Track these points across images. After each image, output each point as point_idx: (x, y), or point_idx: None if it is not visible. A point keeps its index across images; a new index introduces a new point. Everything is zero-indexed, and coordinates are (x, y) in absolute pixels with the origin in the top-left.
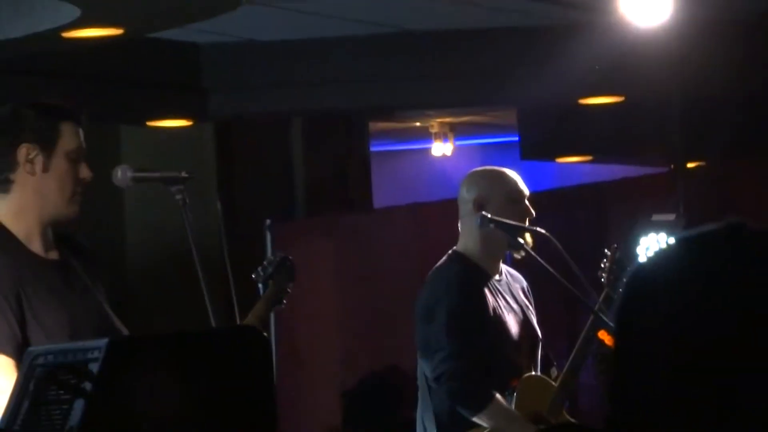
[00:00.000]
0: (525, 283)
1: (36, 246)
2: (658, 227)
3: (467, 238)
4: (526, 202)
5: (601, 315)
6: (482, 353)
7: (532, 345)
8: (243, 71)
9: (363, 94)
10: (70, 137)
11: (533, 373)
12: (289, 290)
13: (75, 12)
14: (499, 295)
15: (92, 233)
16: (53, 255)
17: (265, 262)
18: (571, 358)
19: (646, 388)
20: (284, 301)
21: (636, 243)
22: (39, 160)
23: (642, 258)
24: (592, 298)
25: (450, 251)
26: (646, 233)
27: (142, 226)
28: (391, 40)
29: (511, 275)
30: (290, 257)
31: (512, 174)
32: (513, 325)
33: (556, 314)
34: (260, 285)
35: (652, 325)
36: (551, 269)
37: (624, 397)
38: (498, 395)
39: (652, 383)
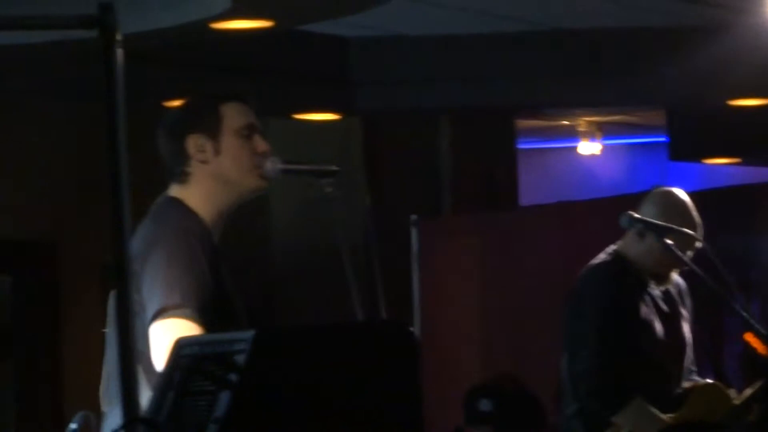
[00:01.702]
0: (683, 286)
1: (216, 232)
2: None
3: (630, 246)
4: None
5: (749, 318)
6: (627, 356)
7: (680, 353)
8: (392, 66)
9: (511, 92)
10: (234, 116)
11: (711, 381)
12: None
13: (226, 3)
14: (651, 300)
15: (237, 226)
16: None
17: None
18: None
19: None
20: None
21: None
22: (209, 146)
23: None
24: (739, 300)
25: (610, 249)
26: None
27: (287, 220)
28: (540, 37)
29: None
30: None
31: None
32: (662, 330)
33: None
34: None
35: None
36: (700, 271)
37: None
38: (640, 398)
39: None
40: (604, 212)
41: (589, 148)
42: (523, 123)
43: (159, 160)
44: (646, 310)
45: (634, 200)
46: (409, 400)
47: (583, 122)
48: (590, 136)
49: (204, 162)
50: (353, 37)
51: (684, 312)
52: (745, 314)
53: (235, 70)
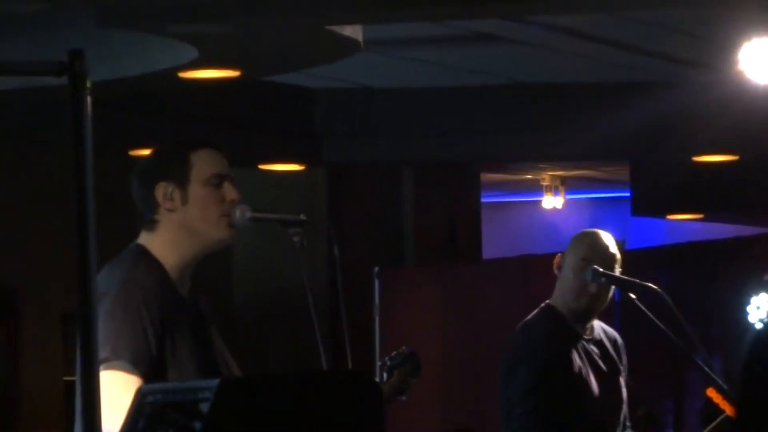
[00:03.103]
0: (619, 340)
1: (181, 283)
2: None
3: (561, 293)
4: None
5: (711, 373)
6: (562, 414)
7: (616, 406)
8: (356, 118)
9: (475, 145)
10: (203, 165)
11: None
12: (411, 385)
13: (192, 53)
14: (585, 355)
15: (199, 273)
16: (185, 290)
17: (393, 354)
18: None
19: None
20: (405, 395)
21: (747, 302)
22: (177, 195)
23: (753, 317)
24: (700, 355)
25: (543, 304)
26: (757, 292)
27: (251, 269)
28: (504, 91)
29: (604, 331)
30: (417, 354)
31: (598, 244)
32: (598, 386)
33: (664, 371)
34: (383, 374)
35: None
36: (661, 325)
37: None
38: None
39: None
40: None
41: (552, 202)
42: (487, 176)
43: (126, 207)
44: (581, 365)
45: None
46: None
47: (546, 176)
48: (554, 190)
49: (171, 210)
50: (319, 89)
51: (620, 367)
52: (707, 369)
53: (201, 120)
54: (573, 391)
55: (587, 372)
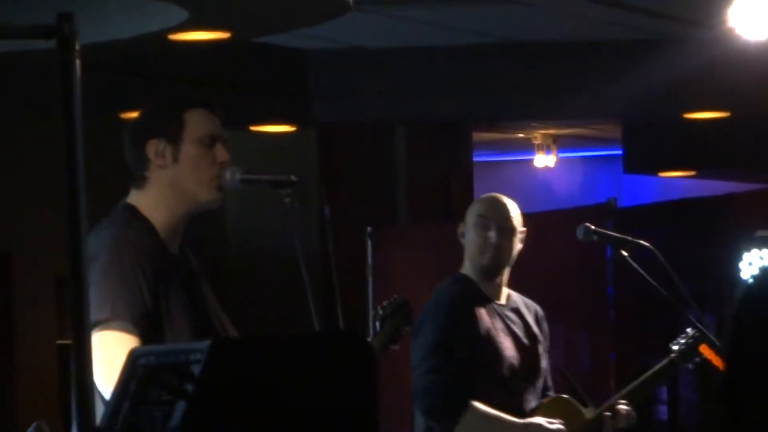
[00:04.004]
0: (540, 312)
1: (171, 241)
2: (762, 243)
3: (468, 256)
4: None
5: (704, 330)
6: (465, 372)
7: (532, 372)
8: (348, 78)
9: (468, 104)
10: (197, 124)
11: (563, 395)
12: (403, 333)
13: (182, 14)
14: (499, 318)
15: (195, 236)
16: (176, 249)
17: (385, 303)
18: (629, 388)
19: (758, 412)
20: (398, 344)
21: (739, 258)
22: (168, 152)
23: (746, 274)
24: (693, 312)
25: (457, 274)
26: (749, 249)
27: (244, 230)
28: (497, 50)
29: (525, 303)
30: (409, 302)
31: (492, 200)
32: (511, 348)
33: (656, 328)
34: (376, 323)
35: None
36: (653, 282)
37: (735, 419)
38: (476, 404)
39: (766, 407)
40: (559, 224)
41: (544, 160)
42: (480, 136)
43: (117, 169)
44: (490, 327)
45: (589, 212)
46: (365, 411)
47: (538, 135)
48: (546, 148)
49: (162, 167)
50: (310, 49)
51: (540, 337)
52: (699, 326)
53: (192, 81)
54: (479, 350)
55: (498, 335)
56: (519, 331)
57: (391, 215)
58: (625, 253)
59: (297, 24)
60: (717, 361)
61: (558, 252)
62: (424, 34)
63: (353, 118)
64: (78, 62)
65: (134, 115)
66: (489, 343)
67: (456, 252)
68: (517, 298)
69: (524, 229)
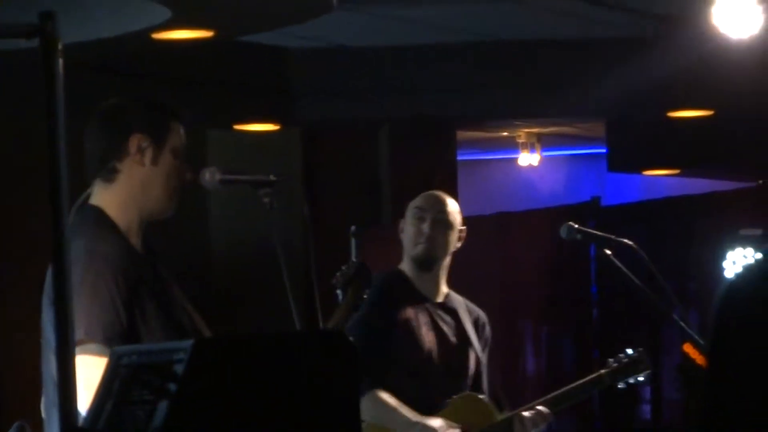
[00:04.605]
0: (482, 319)
1: (134, 240)
2: (745, 242)
3: (405, 249)
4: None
5: (687, 329)
6: (379, 358)
7: (456, 371)
8: (332, 76)
9: (451, 102)
10: (177, 135)
11: (475, 394)
12: (365, 297)
13: (165, 13)
14: (426, 314)
15: (177, 235)
16: (140, 247)
17: (343, 268)
18: (550, 396)
19: (738, 410)
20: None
21: (723, 257)
22: (149, 152)
23: (729, 272)
24: (677, 311)
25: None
26: (733, 247)
27: (226, 229)
28: (480, 48)
29: (468, 306)
30: (366, 264)
31: (430, 194)
32: (431, 343)
33: (640, 327)
34: (339, 291)
35: (748, 346)
36: (637, 280)
37: (715, 416)
38: (379, 392)
39: (746, 405)
40: (543, 223)
41: (528, 159)
42: (463, 134)
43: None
44: (412, 318)
45: (573, 211)
46: (348, 410)
47: (522, 133)
48: (530, 147)
49: (139, 164)
50: (293, 48)
51: (474, 340)
52: (683, 325)
53: (175, 80)
54: (394, 340)
55: (419, 328)
56: (448, 329)
57: (374, 214)
58: (608, 252)
59: (280, 22)
60: (700, 360)
61: (541, 251)
62: (408, 32)
63: (337, 117)
64: (60, 61)
65: (109, 104)
66: (406, 333)
67: None
68: (458, 301)
69: (464, 227)
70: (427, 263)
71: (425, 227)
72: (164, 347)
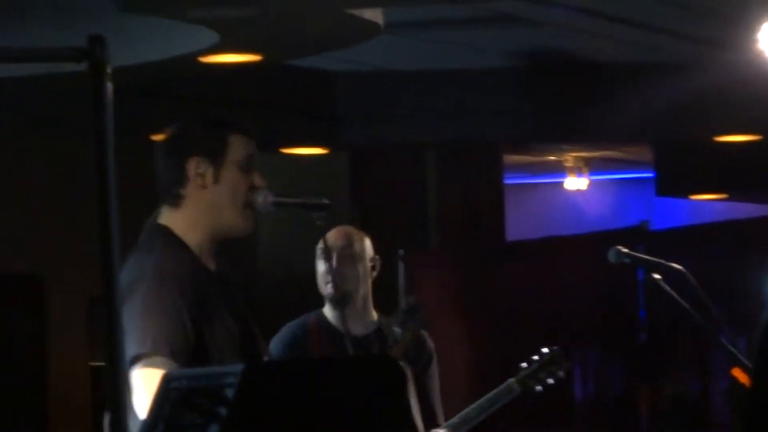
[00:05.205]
0: (422, 336)
1: (206, 259)
2: None
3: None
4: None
5: (736, 353)
6: None
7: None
8: (379, 100)
9: (497, 126)
10: (239, 147)
11: None
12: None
13: (213, 37)
14: (344, 351)
15: (225, 259)
16: (212, 266)
17: (399, 310)
18: (462, 414)
19: None
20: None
21: None
22: (209, 173)
23: None
24: (726, 335)
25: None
26: None
27: (275, 253)
28: (527, 72)
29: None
30: (420, 303)
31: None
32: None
33: (689, 352)
34: (396, 329)
35: None
36: (686, 305)
37: None
38: None
39: None
40: (590, 247)
41: (575, 183)
42: (510, 158)
43: (149, 191)
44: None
45: (621, 235)
46: None
47: (569, 157)
48: (577, 171)
49: (202, 187)
50: (340, 72)
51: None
52: (732, 349)
53: (223, 104)
54: None
55: None
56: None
57: (421, 238)
58: (657, 276)
59: (327, 47)
60: (749, 384)
61: (589, 275)
62: (454, 56)
63: (384, 141)
64: (109, 85)
65: (169, 131)
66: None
67: (485, 275)
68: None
69: (376, 257)
70: (342, 300)
71: (332, 265)
72: (215, 371)
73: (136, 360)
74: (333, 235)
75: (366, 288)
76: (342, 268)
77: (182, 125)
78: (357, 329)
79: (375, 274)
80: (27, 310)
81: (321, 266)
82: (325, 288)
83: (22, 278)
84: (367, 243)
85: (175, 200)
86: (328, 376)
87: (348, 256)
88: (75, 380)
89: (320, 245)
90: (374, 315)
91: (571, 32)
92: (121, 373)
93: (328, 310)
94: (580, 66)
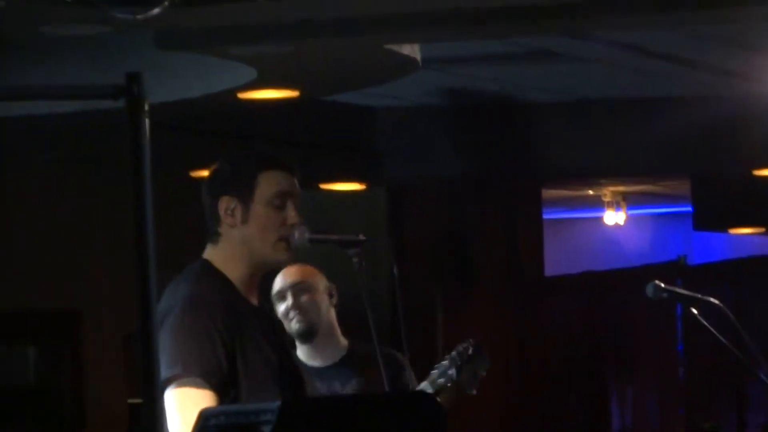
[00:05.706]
0: (400, 360)
1: (247, 292)
2: None
3: None
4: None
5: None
6: None
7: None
8: (417, 135)
9: (536, 161)
10: (270, 184)
11: None
12: (480, 378)
13: (251, 73)
14: (323, 383)
15: (261, 293)
16: (254, 300)
17: (459, 349)
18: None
19: None
20: (475, 388)
21: None
22: (238, 212)
23: None
24: (763, 369)
25: None
26: None
27: None
28: (565, 106)
29: (385, 351)
30: (482, 345)
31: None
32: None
33: (726, 385)
34: (452, 372)
35: None
36: (723, 339)
37: None
38: None
39: None
40: (629, 282)
41: (614, 218)
42: (549, 193)
43: (187, 227)
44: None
45: (660, 270)
46: None
47: (607, 192)
48: (615, 205)
49: (232, 226)
50: (378, 107)
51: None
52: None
53: (261, 139)
54: None
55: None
56: (339, 386)
57: (460, 273)
58: (695, 311)
59: (366, 83)
60: None
61: (627, 309)
62: (491, 91)
63: (422, 175)
64: (147, 121)
65: (204, 174)
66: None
67: (524, 310)
68: (365, 351)
69: (331, 284)
70: (308, 335)
71: (289, 303)
72: (252, 408)
73: (167, 382)
74: (282, 276)
75: (329, 316)
76: (299, 301)
77: (217, 165)
78: (326, 359)
79: (335, 301)
80: (64, 346)
81: (280, 308)
82: (291, 324)
83: (59, 315)
84: (318, 274)
85: (214, 237)
86: (365, 413)
87: (302, 290)
88: (113, 417)
89: (272, 292)
90: (343, 341)
91: (610, 67)
92: (159, 409)
93: (298, 348)
94: (618, 100)
